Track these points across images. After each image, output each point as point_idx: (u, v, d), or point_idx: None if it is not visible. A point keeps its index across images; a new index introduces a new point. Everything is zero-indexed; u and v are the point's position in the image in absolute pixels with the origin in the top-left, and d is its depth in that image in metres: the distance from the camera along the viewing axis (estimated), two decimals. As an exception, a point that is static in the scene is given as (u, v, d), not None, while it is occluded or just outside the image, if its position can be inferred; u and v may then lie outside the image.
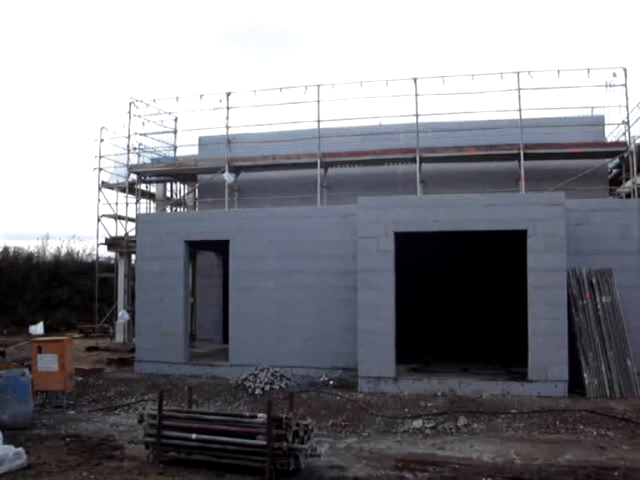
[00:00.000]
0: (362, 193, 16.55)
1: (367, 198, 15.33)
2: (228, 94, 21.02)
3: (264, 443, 9.39)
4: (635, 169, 18.59)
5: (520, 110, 18.85)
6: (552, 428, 12.08)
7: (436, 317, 19.61)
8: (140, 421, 10.70)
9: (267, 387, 14.64)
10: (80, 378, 15.92)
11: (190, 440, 9.99)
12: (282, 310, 16.30)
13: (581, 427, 12.05)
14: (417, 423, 12.43)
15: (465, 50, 73.32)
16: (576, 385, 13.93)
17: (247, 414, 10.64)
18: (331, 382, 15.24)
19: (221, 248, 18.77)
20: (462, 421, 12.43)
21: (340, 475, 9.73)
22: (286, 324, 16.19)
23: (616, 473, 9.63)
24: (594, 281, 14.54)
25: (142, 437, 10.61)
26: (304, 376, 15.50)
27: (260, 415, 9.87)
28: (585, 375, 13.93)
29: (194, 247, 19.62)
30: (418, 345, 17.80)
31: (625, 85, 18.66)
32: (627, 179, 19.56)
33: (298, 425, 9.51)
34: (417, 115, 19.37)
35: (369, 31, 76.22)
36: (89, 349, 21.55)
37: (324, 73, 78.18)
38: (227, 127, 21.18)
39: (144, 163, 23.81)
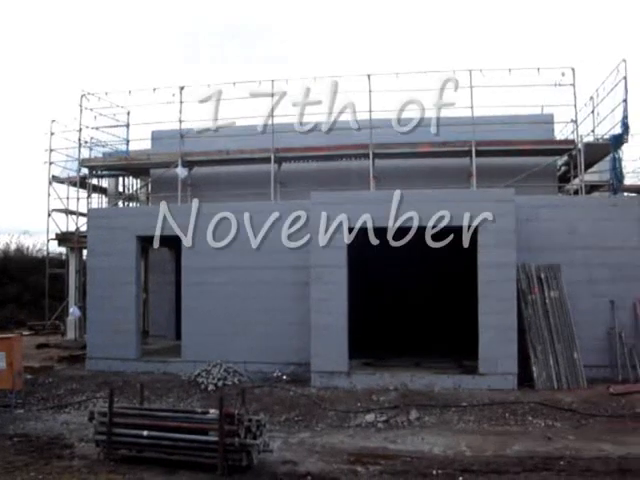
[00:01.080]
0: (316, 188, 16.56)
1: (320, 193, 15.37)
2: (181, 88, 20.77)
3: (216, 439, 9.40)
4: (583, 167, 18.98)
5: (472, 107, 19.07)
6: (502, 420, 12.34)
7: (389, 312, 19.75)
8: (90, 419, 10.61)
9: (220, 383, 14.57)
10: (29, 376, 15.64)
11: (141, 437, 9.96)
12: (235, 306, 16.24)
13: (530, 418, 12.33)
14: (370, 417, 12.55)
15: (419, 47, 73.96)
16: (525, 378, 14.23)
17: (199, 410, 10.63)
18: (284, 377, 15.27)
19: (174, 243, 18.60)
20: (414, 414, 12.58)
21: (293, 470, 9.78)
22: (239, 320, 16.14)
23: (562, 462, 9.95)
24: (543, 276, 14.86)
25: (93, 435, 10.51)
26: (257, 372, 15.50)
27: (212, 411, 9.87)
28: (534, 368, 14.23)
29: (146, 242, 19.41)
30: (371, 340, 17.90)
31: (573, 85, 19.03)
32: (575, 176, 19.95)
33: (250, 421, 9.53)
34: (370, 111, 19.44)
35: (330, 26, 76.34)
36: (39, 346, 21.16)
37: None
38: (180, 121, 20.96)
39: (96, 157, 23.41)
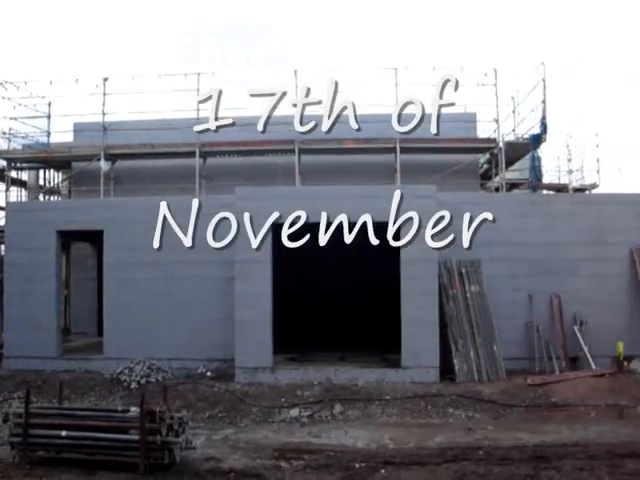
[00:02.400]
0: (242, 184, 16.48)
1: (245, 188, 15.28)
2: (105, 79, 20.30)
3: (137, 437, 9.26)
4: (504, 165, 19.51)
5: (396, 104, 19.23)
6: (424, 412, 12.59)
7: (315, 307, 19.79)
8: (5, 420, 10.24)
9: (143, 380, 14.35)
10: (-60, 378, 15.05)
11: (60, 438, 9.70)
12: (159, 301, 15.99)
13: (451, 410, 12.62)
14: (294, 412, 12.61)
15: (349, 44, 74.39)
16: (447, 371, 14.56)
17: (119, 408, 10.46)
18: (209, 373, 15.15)
19: (96, 239, 18.20)
20: (338, 409, 12.69)
21: (216, 467, 9.74)
22: (163, 316, 15.90)
23: (481, 452, 10.23)
24: (464, 271, 15.19)
25: (7, 437, 10.16)
26: (182, 368, 15.32)
27: (133, 409, 9.71)
28: (455, 361, 14.56)
29: (67, 237, 18.93)
30: (296, 335, 17.91)
31: (495, 85, 19.49)
32: (496, 174, 20.47)
33: (172, 418, 9.43)
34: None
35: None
36: (-48, 346, 20.38)
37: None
38: (104, 113, 20.48)
39: (15, 149, 22.65)
